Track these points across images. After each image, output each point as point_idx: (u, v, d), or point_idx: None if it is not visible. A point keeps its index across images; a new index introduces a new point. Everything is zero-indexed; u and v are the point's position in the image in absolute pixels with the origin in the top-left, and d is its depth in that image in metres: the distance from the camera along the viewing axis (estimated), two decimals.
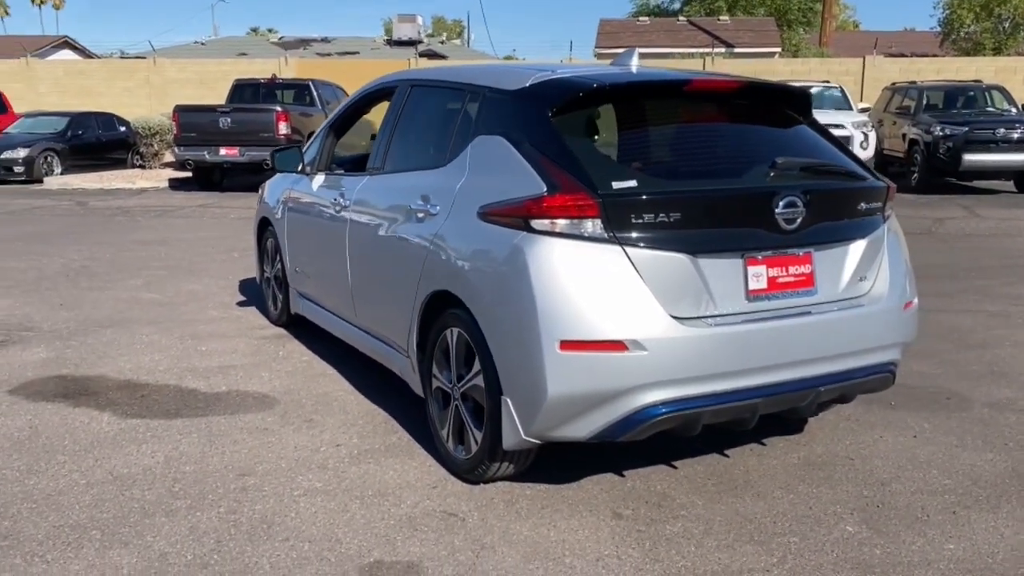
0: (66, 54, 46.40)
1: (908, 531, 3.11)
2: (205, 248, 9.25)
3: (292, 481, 3.49)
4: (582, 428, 3.02)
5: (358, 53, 38.53)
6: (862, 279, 3.42)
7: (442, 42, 44.59)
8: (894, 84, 17.70)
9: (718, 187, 3.19)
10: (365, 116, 5.22)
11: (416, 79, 4.33)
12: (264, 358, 5.19)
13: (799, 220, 3.18)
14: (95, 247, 9.37)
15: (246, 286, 7.17)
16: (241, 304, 6.61)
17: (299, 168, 5.16)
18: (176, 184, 16.47)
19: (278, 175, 5.77)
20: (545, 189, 3.04)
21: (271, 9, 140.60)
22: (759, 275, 3.17)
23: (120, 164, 19.11)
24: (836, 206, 3.40)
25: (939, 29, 38.80)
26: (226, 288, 7.16)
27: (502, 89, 3.52)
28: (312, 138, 5.36)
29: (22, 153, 16.78)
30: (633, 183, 3.05)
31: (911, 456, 3.78)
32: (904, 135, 15.52)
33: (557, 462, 3.58)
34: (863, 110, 16.18)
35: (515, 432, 3.12)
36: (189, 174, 16.07)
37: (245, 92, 16.77)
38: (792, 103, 3.72)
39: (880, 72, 22.69)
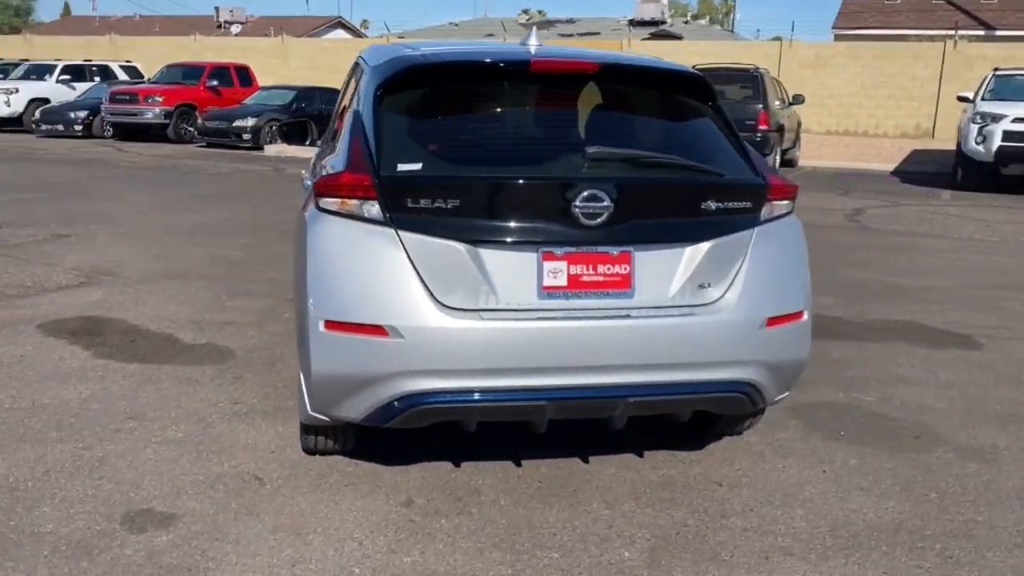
0: (339, 33, 50.71)
1: (688, 568, 2.80)
2: None
3: (164, 429, 3.76)
4: (353, 409, 3.00)
5: (599, 34, 38.76)
6: (704, 286, 3.07)
7: (686, 22, 43.65)
8: None
9: (510, 175, 3.00)
10: None
11: (360, 55, 4.40)
12: (267, 318, 5.53)
13: (604, 215, 2.92)
14: (246, 208, 10.32)
15: None
16: None
17: (306, 142, 5.42)
18: None
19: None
20: (343, 168, 3.04)
21: None
22: (557, 271, 2.95)
23: None
24: (667, 203, 3.08)
25: None
26: None
27: (369, 65, 3.53)
28: None
29: (250, 122, 18.68)
30: (418, 166, 2.96)
31: (792, 492, 3.35)
32: None
33: (408, 443, 3.57)
34: None
35: (305, 407, 3.16)
36: None
37: None
38: (682, 88, 3.40)
39: None
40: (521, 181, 2.98)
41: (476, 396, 2.93)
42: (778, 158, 15.34)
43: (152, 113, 19.65)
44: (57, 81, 22.58)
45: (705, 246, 3.06)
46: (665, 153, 3.19)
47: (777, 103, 16.21)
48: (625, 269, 3.00)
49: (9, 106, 21.63)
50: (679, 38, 33.20)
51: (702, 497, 3.29)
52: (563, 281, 2.96)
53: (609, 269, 2.99)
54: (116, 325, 5.30)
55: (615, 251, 2.99)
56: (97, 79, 23.22)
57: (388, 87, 3.19)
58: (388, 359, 2.88)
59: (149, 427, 3.78)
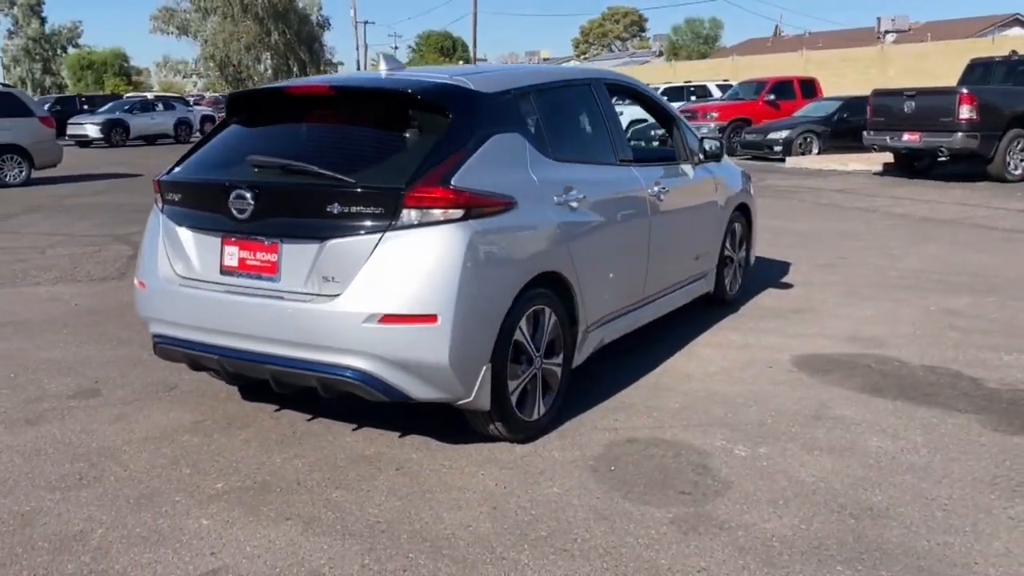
0: (1015, 31, 45.29)
1: (189, 504, 3.37)
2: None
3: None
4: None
5: None
6: (328, 279, 3.47)
7: None
8: None
9: (200, 178, 3.89)
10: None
11: None
12: None
13: (249, 211, 3.59)
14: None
15: None
16: None
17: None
18: (889, 169, 16.43)
19: None
20: None
21: None
22: (232, 254, 3.72)
23: None
24: (302, 204, 3.57)
25: None
26: None
27: None
28: None
29: (783, 134, 19.04)
30: (178, 170, 4.02)
31: (431, 490, 3.46)
32: None
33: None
34: None
35: None
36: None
37: (977, 71, 15.47)
38: (410, 104, 3.73)
39: None
40: (205, 182, 3.86)
41: (177, 343, 3.91)
42: None
43: (707, 128, 21.28)
44: None
45: (329, 243, 3.48)
46: (325, 162, 3.61)
47: None
48: (274, 257, 3.63)
49: None
50: None
51: (356, 471, 3.64)
52: (235, 263, 3.73)
53: (263, 256, 3.66)
54: None
55: (267, 241, 3.64)
56: (693, 98, 25.81)
57: (226, 109, 4.28)
58: (144, 306, 4.07)
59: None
